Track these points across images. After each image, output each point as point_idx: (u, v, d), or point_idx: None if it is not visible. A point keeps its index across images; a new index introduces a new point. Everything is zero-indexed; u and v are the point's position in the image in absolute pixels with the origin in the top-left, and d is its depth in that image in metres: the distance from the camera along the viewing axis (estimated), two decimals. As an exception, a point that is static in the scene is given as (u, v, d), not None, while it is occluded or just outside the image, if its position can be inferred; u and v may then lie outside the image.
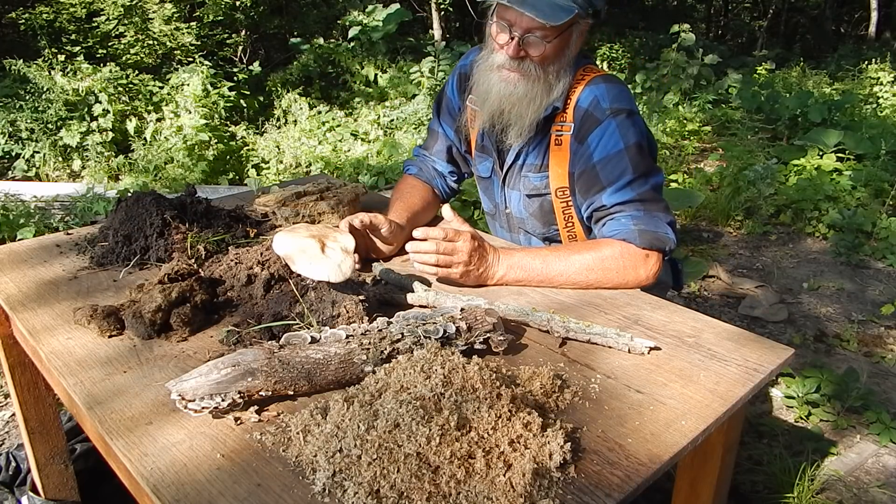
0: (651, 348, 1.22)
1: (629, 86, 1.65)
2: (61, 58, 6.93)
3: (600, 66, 1.72)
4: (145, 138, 6.34)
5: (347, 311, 1.23)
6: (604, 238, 1.55)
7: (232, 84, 7.25)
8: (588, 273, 1.46)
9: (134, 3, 8.07)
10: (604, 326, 1.26)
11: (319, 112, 7.32)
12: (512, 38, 1.53)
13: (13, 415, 2.50)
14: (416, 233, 1.45)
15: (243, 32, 9.44)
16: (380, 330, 1.13)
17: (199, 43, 8.42)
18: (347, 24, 9.13)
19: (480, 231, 1.78)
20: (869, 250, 4.08)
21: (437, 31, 9.89)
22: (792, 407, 2.59)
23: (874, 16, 13.18)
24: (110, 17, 8.03)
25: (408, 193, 1.83)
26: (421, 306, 1.37)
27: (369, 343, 1.11)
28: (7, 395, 2.63)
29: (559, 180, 1.68)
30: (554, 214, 1.75)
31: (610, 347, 1.24)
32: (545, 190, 1.72)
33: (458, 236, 1.43)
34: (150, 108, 6.78)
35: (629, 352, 1.22)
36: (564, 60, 1.59)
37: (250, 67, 8.43)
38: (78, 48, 7.60)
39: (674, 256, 1.92)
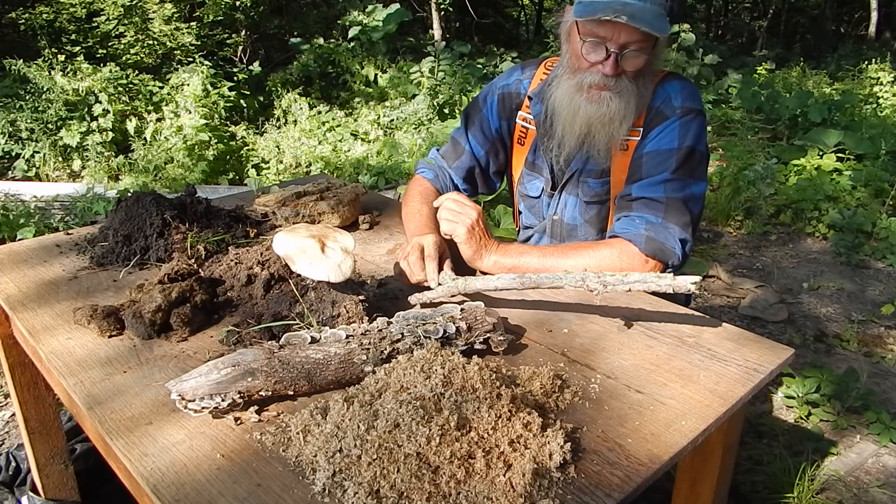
0: (694, 283, 1.15)
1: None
2: (61, 58, 6.93)
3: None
4: (145, 138, 6.35)
5: (347, 311, 1.23)
6: (610, 235, 1.54)
7: (232, 84, 7.25)
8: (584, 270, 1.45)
9: (134, 3, 8.07)
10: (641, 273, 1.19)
11: (319, 112, 7.32)
12: (609, 56, 1.46)
13: (13, 415, 2.50)
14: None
15: (243, 32, 9.44)
16: (380, 330, 1.14)
17: (199, 43, 8.42)
18: (347, 24, 9.13)
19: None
20: (869, 250, 4.08)
21: (437, 31, 9.89)
22: (792, 407, 2.59)
23: (874, 16, 13.18)
24: (110, 17, 8.04)
25: (430, 200, 1.72)
26: (423, 305, 1.37)
27: (369, 343, 1.11)
28: (7, 395, 2.63)
29: (619, 188, 1.63)
30: (608, 221, 1.71)
31: (653, 293, 1.16)
32: (606, 196, 1.68)
33: (469, 201, 1.49)
34: (150, 108, 6.78)
35: (673, 292, 1.16)
36: (651, 72, 1.55)
37: (250, 67, 8.43)
38: (78, 48, 7.61)
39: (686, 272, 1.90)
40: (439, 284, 1.39)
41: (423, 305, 1.36)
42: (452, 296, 1.37)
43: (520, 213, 1.92)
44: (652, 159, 1.53)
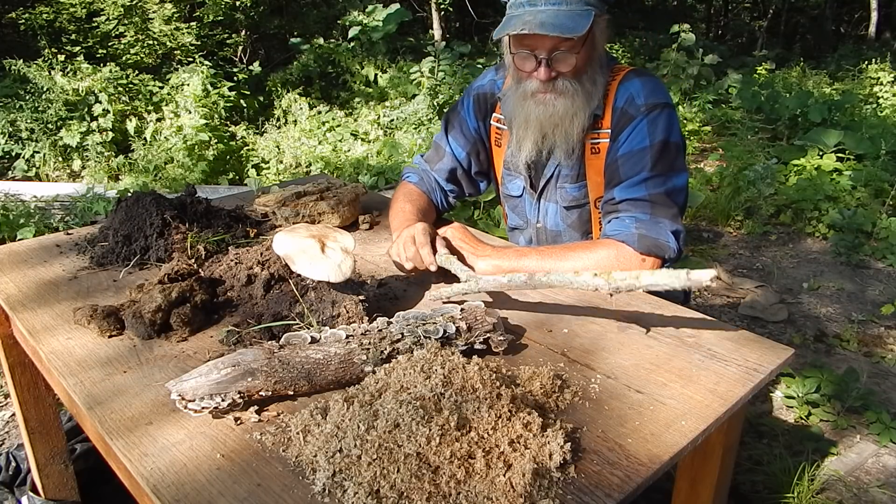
0: (711, 277, 1.06)
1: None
2: (61, 58, 6.93)
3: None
4: (145, 138, 6.35)
5: (347, 311, 1.23)
6: (603, 238, 1.54)
7: (232, 84, 7.25)
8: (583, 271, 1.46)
9: (134, 3, 8.07)
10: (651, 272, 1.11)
11: (319, 112, 7.32)
12: (540, 63, 1.51)
13: (13, 415, 2.50)
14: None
15: (243, 32, 9.44)
16: (380, 330, 1.14)
17: (199, 43, 8.41)
18: (347, 24, 9.13)
19: (481, 231, 1.79)
20: (869, 250, 4.08)
21: (437, 31, 9.89)
22: (792, 407, 2.59)
23: (874, 16, 13.18)
24: (110, 17, 8.04)
25: (414, 200, 1.79)
26: (445, 301, 1.37)
27: (369, 343, 1.11)
28: (7, 395, 2.63)
29: (598, 190, 1.66)
30: (591, 224, 1.74)
31: (668, 290, 1.09)
32: (584, 200, 1.70)
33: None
34: (150, 108, 6.78)
35: (690, 289, 1.08)
36: (595, 63, 1.57)
37: (250, 67, 8.43)
38: (78, 48, 7.61)
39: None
40: (439, 266, 1.43)
41: (446, 302, 1.39)
42: (465, 293, 1.38)
43: (506, 214, 1.94)
44: (627, 161, 1.55)
